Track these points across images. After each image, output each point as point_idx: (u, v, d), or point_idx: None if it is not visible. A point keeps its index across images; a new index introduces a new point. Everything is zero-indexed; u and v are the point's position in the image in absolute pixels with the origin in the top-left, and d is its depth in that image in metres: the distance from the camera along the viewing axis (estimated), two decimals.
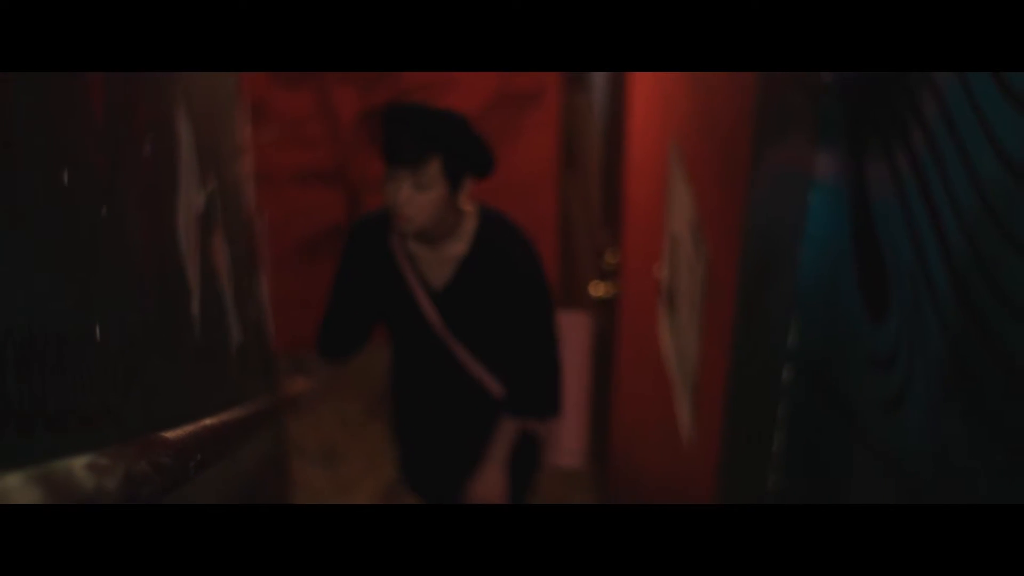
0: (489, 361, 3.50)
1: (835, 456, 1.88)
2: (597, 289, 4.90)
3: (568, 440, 3.60)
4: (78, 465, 1.18)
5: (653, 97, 3.84)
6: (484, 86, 5.97)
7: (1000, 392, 1.26)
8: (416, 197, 3.05)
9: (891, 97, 1.55)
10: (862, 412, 1.73)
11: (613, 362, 4.94)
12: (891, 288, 1.58)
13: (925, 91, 1.43)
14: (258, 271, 3.41)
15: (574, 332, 4.16)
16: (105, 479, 1.20)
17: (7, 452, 1.17)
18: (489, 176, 3.21)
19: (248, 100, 3.94)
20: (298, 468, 5.65)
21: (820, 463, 1.96)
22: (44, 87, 1.35)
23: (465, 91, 5.96)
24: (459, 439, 3.69)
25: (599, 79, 5.24)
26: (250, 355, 3.06)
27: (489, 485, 3.45)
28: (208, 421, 1.80)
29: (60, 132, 1.38)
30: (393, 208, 3.09)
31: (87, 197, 1.47)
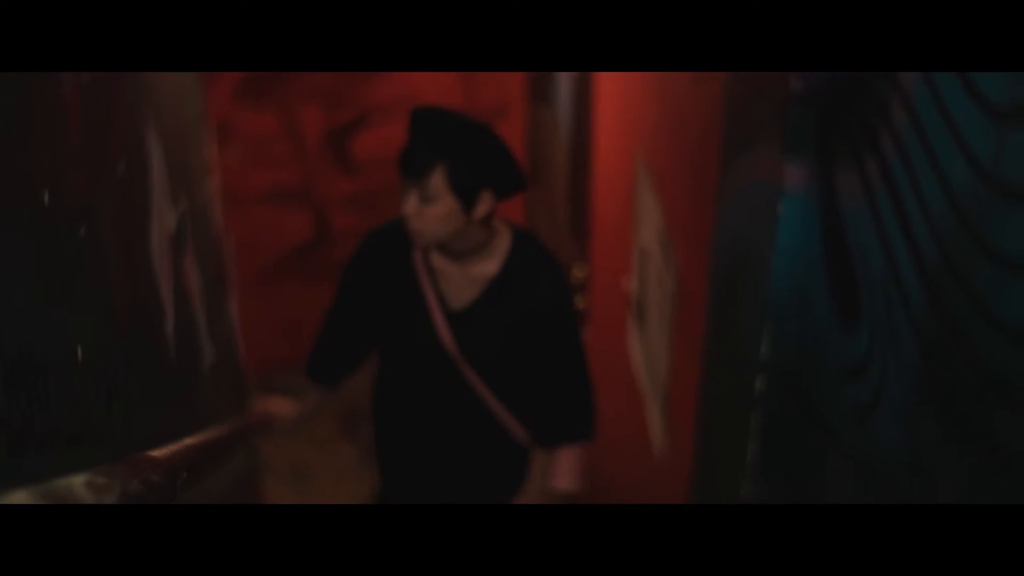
0: (505, 392, 3.18)
1: (809, 464, 1.89)
2: None
3: (567, 462, 3.33)
4: (78, 483, 1.19)
5: (619, 111, 3.85)
6: (448, 103, 5.97)
7: (974, 397, 1.27)
8: (423, 210, 2.82)
9: (860, 106, 1.57)
10: (835, 420, 1.74)
11: None
12: (863, 296, 1.60)
13: (894, 99, 1.45)
14: (227, 291, 3.39)
15: None
16: (104, 496, 1.21)
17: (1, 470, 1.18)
18: (516, 193, 2.96)
19: (214, 120, 3.94)
20: (268, 486, 5.63)
21: (794, 471, 1.96)
22: (23, 105, 1.34)
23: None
24: (459, 475, 3.35)
25: (563, 95, 5.26)
26: (222, 375, 3.05)
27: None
28: (190, 440, 1.79)
29: (40, 152, 1.38)
30: (407, 219, 2.86)
31: (67, 218, 1.46)
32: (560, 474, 3.23)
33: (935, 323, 1.36)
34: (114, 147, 1.73)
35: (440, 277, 3.04)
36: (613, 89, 3.96)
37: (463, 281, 3.04)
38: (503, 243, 3.02)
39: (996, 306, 1.20)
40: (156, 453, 1.55)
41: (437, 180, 2.77)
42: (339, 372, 3.33)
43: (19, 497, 1.01)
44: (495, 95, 6.17)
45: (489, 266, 3.02)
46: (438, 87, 6.02)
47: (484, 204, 2.84)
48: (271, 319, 6.04)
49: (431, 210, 2.81)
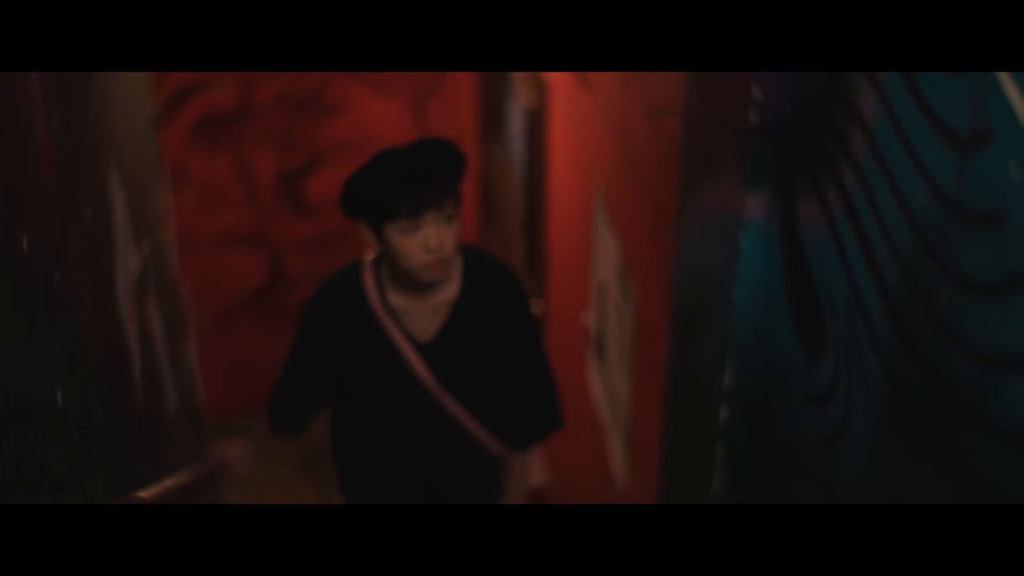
0: (483, 410, 3.18)
1: (776, 493, 1.89)
2: None
3: (539, 457, 3.37)
4: None
5: (574, 147, 3.87)
6: (401, 140, 5.97)
7: (943, 422, 1.28)
8: (447, 234, 2.78)
9: (819, 135, 1.59)
10: (802, 447, 1.75)
11: None
12: (827, 323, 1.61)
13: (853, 128, 1.47)
14: (186, 336, 3.38)
15: None
16: None
17: None
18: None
19: (168, 165, 3.92)
20: None
21: (761, 500, 1.97)
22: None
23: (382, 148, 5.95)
24: (437, 499, 3.32)
25: (515, 130, 5.27)
26: (184, 419, 3.03)
27: None
28: (168, 483, 1.78)
29: (16, 196, 1.37)
30: (426, 259, 2.79)
31: (43, 265, 1.45)
32: (536, 471, 3.29)
33: (901, 349, 1.37)
34: (82, 192, 1.72)
35: (402, 315, 3.02)
36: (568, 125, 3.98)
37: (426, 313, 3.03)
38: (457, 263, 3.00)
39: (962, 330, 1.21)
40: (143, 493, 1.55)
41: (449, 196, 2.79)
42: (303, 421, 3.29)
43: None
44: (447, 131, 6.19)
45: (448, 291, 3.01)
46: (390, 125, 6.02)
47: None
48: (227, 363, 6.00)
49: (452, 230, 2.80)
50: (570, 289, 4.09)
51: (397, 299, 3.01)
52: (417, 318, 3.03)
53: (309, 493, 5.88)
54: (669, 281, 2.39)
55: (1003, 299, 1.13)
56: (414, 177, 2.75)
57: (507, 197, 5.68)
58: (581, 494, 4.03)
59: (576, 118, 3.79)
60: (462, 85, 6.15)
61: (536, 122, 4.52)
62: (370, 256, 3.03)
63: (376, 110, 6.04)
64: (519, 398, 3.26)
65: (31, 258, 1.39)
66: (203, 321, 5.46)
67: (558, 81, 4.09)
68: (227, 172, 6.11)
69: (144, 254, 2.34)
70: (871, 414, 1.48)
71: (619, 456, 3.24)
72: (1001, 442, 1.16)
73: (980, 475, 1.22)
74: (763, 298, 1.83)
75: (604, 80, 3.19)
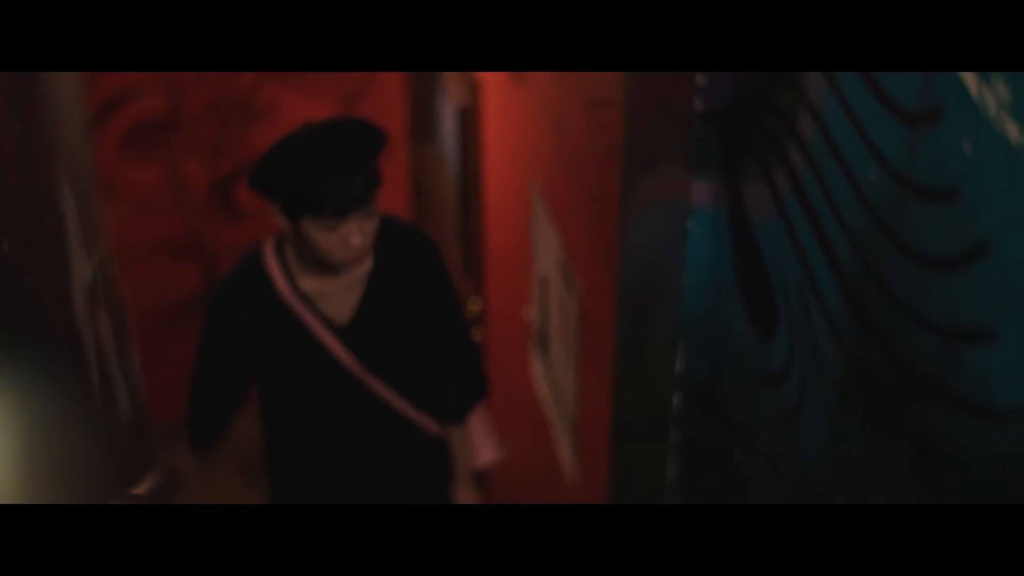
0: (411, 388, 3.07)
1: (732, 477, 1.91)
2: None
3: (481, 435, 3.25)
4: None
5: (510, 143, 3.88)
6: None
7: (901, 397, 1.30)
8: (367, 229, 2.68)
9: (765, 119, 1.60)
10: (757, 430, 1.77)
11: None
12: (779, 305, 1.62)
13: (800, 110, 1.48)
14: (131, 344, 3.34)
15: None
16: None
17: None
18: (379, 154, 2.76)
19: (102, 175, 3.88)
20: None
21: (716, 485, 1.98)
22: None
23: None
24: (383, 485, 3.20)
25: (447, 130, 5.27)
26: (135, 426, 2.99)
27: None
28: (137, 491, 1.77)
29: None
30: (347, 255, 2.69)
31: (19, 268, 1.43)
32: (482, 450, 3.19)
33: (856, 327, 1.38)
34: (39, 200, 1.70)
35: (316, 299, 2.90)
36: (502, 121, 3.98)
37: (342, 292, 2.91)
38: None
39: (919, 304, 1.23)
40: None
41: (373, 188, 2.67)
42: (221, 430, 3.17)
43: None
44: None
45: (362, 265, 2.89)
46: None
47: None
48: (166, 372, 5.95)
49: (372, 222, 2.69)
50: (510, 285, 4.09)
51: (309, 282, 2.88)
52: (332, 299, 2.91)
53: (254, 499, 5.83)
54: (614, 271, 2.40)
55: (960, 272, 1.14)
56: (341, 163, 2.62)
57: (441, 197, 5.67)
58: (528, 490, 4.03)
59: (511, 114, 3.79)
60: (391, 86, 6.13)
61: (469, 120, 4.51)
62: (269, 243, 2.89)
63: (305, 114, 6.00)
64: (443, 370, 3.13)
65: (12, 260, 1.38)
66: (140, 330, 5.40)
67: (491, 78, 4.09)
68: (159, 180, 6.05)
69: (94, 263, 2.31)
70: (827, 393, 1.49)
71: (566, 450, 3.25)
72: (961, 414, 1.18)
73: (940, 448, 1.24)
74: (713, 283, 1.84)
75: (538, 75, 3.19)
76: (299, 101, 6.00)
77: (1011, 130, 1.02)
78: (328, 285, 2.88)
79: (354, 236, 2.65)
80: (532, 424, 3.75)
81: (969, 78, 1.09)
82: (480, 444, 3.20)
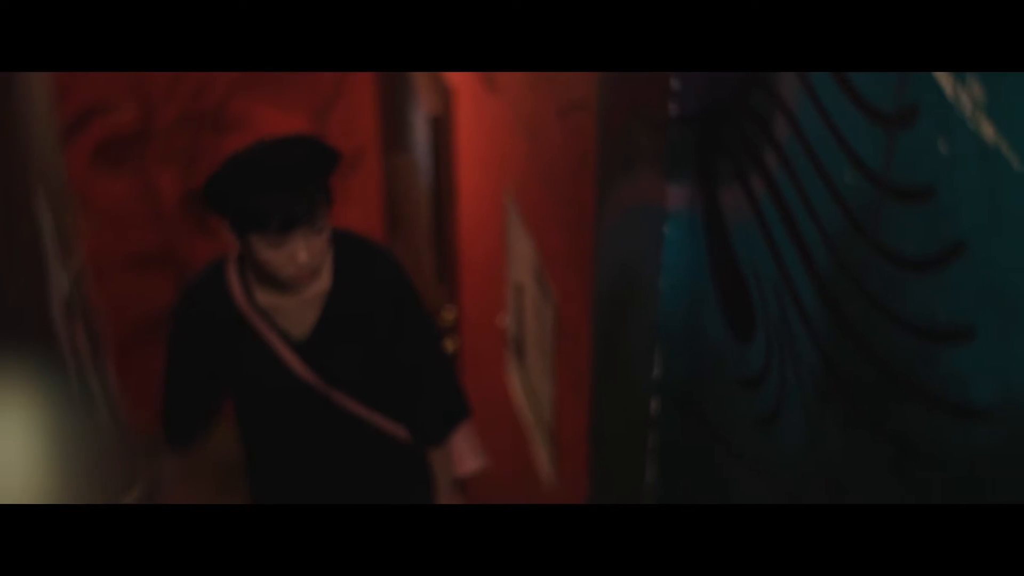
0: (380, 400, 3.05)
1: (711, 480, 1.91)
2: None
3: (463, 444, 3.22)
4: None
5: (482, 150, 3.88)
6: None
7: (880, 396, 1.31)
8: (315, 245, 2.65)
9: (740, 122, 1.61)
10: (736, 433, 1.77)
11: None
12: (756, 308, 1.63)
13: (775, 113, 1.49)
14: (107, 356, 3.33)
15: None
16: None
17: None
18: (333, 172, 2.74)
19: (75, 188, 3.87)
20: None
21: (696, 489, 1.99)
22: None
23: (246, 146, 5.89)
24: (361, 497, 3.15)
25: (420, 139, 5.27)
26: (114, 437, 2.98)
27: None
28: (127, 500, 1.76)
29: None
30: (295, 272, 2.66)
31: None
32: (464, 459, 3.16)
33: (834, 328, 1.39)
34: (16, 209, 1.69)
35: (273, 314, 2.88)
36: (475, 129, 3.98)
37: (299, 308, 2.89)
38: (328, 252, 2.82)
39: (896, 305, 1.24)
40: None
41: (322, 205, 2.64)
42: (197, 431, 3.15)
43: None
44: (348, 143, 6.15)
45: (320, 283, 2.86)
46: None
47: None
48: (142, 384, 5.92)
49: (321, 240, 2.66)
50: (485, 293, 4.09)
51: (265, 297, 2.86)
52: (289, 315, 2.89)
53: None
54: (589, 277, 2.40)
55: (936, 272, 1.15)
56: (285, 180, 2.61)
57: (414, 205, 5.67)
58: (507, 499, 4.03)
59: (483, 122, 3.80)
60: (362, 95, 6.12)
61: (441, 128, 4.51)
62: (233, 254, 2.87)
63: (277, 125, 5.99)
64: (417, 389, 3.12)
65: None
66: (115, 343, 5.38)
67: (462, 86, 4.09)
68: (131, 193, 6.03)
69: (71, 275, 2.30)
70: (806, 394, 1.50)
71: (544, 457, 3.25)
72: (939, 413, 1.19)
73: (918, 447, 1.24)
74: (690, 287, 1.85)
75: (511, 82, 3.20)
76: (271, 112, 5.99)
77: (986, 129, 1.03)
78: (284, 301, 2.87)
79: (300, 253, 2.63)
80: (509, 432, 3.75)
81: (944, 78, 1.10)
82: (463, 453, 3.18)
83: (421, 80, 4.77)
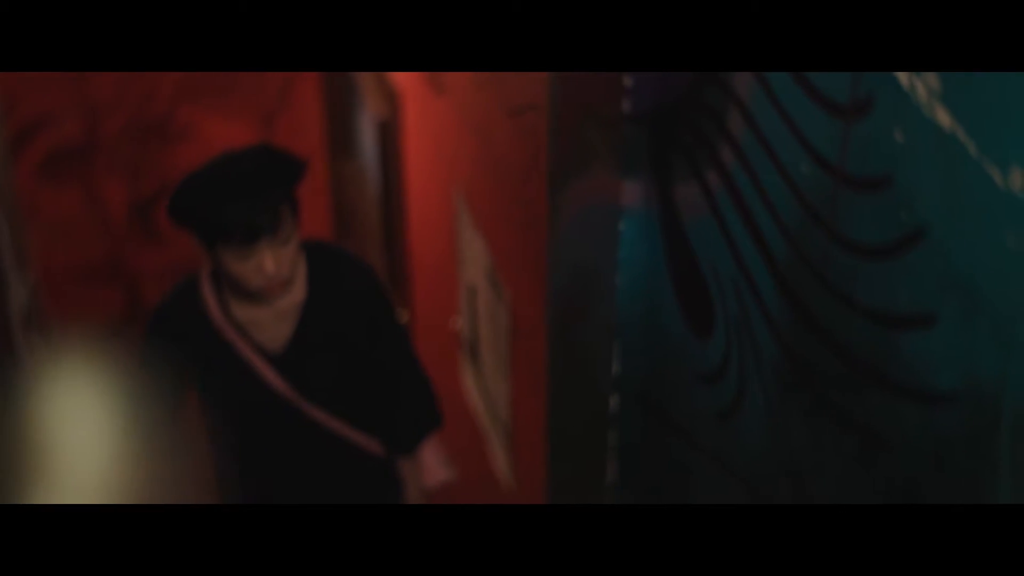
0: (353, 413, 3.02)
1: (673, 474, 1.92)
2: None
3: (431, 456, 3.22)
4: None
5: (431, 153, 3.87)
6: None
7: (842, 385, 1.31)
8: (282, 256, 2.62)
9: (694, 119, 1.61)
10: (697, 426, 1.78)
11: None
12: (714, 302, 1.63)
13: (730, 108, 1.49)
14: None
15: None
16: None
17: None
18: (297, 184, 2.74)
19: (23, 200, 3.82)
20: None
21: (658, 484, 1.99)
22: None
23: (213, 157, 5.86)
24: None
25: (367, 143, 5.25)
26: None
27: None
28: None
29: None
30: (264, 283, 2.62)
31: None
32: (432, 470, 3.17)
33: (794, 319, 1.40)
34: None
35: (249, 327, 2.86)
36: (423, 132, 3.97)
37: (274, 321, 2.86)
38: (300, 264, 2.81)
39: (855, 293, 1.24)
40: None
41: (286, 216, 2.62)
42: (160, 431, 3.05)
43: None
44: (296, 149, 6.13)
45: (294, 295, 2.82)
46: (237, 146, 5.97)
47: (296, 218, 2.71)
48: None
49: (288, 250, 2.64)
50: (437, 296, 4.08)
51: (241, 311, 2.84)
52: (265, 328, 2.87)
53: None
54: (544, 276, 2.40)
55: (896, 260, 1.16)
56: (246, 190, 2.61)
57: (363, 211, 5.65)
58: (465, 501, 4.02)
59: (431, 124, 3.79)
60: (308, 103, 6.10)
61: (389, 132, 4.49)
62: (206, 268, 2.82)
63: (224, 134, 5.95)
64: (392, 399, 3.11)
65: None
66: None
67: (409, 88, 4.08)
68: (78, 205, 5.98)
69: (28, 287, 2.27)
70: (767, 386, 1.50)
71: (501, 458, 3.24)
72: (901, 399, 1.19)
73: (881, 434, 1.25)
74: (647, 283, 1.85)
75: (458, 83, 3.19)
76: (217, 121, 5.96)
77: (942, 117, 1.04)
78: (260, 314, 2.84)
79: (267, 263, 2.59)
80: (466, 436, 3.74)
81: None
82: (431, 465, 3.19)
83: (368, 84, 4.75)
